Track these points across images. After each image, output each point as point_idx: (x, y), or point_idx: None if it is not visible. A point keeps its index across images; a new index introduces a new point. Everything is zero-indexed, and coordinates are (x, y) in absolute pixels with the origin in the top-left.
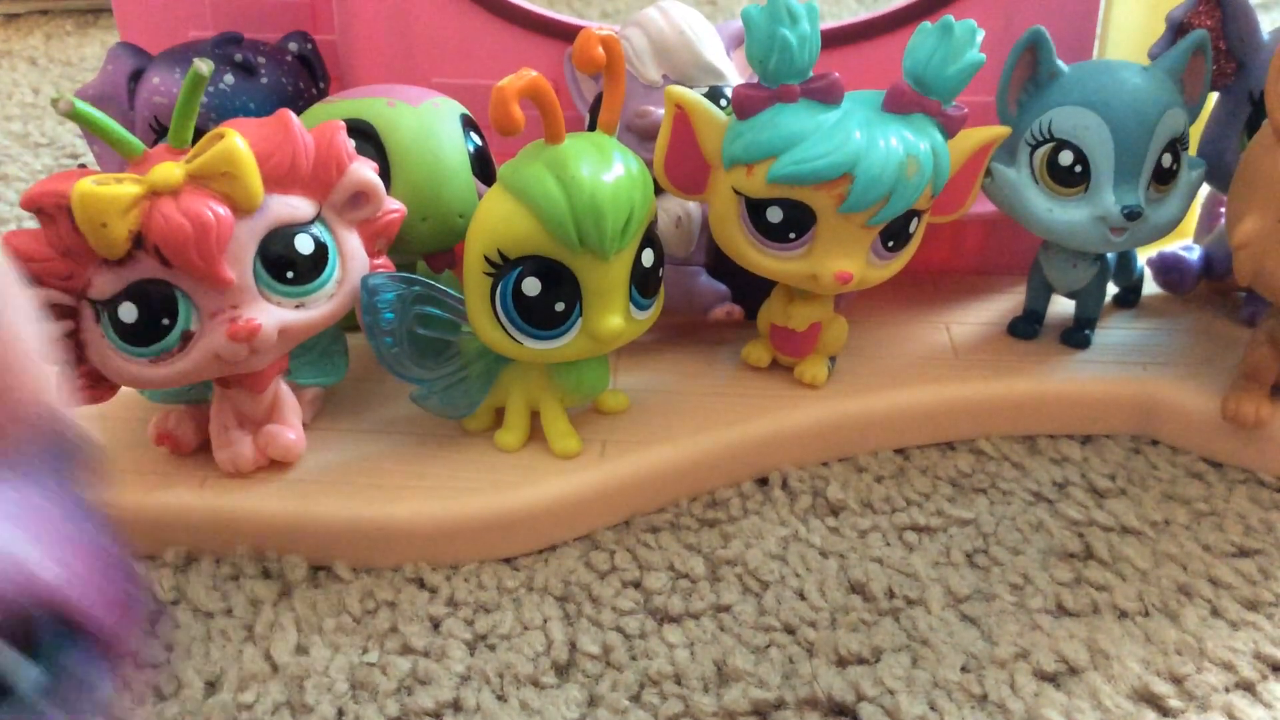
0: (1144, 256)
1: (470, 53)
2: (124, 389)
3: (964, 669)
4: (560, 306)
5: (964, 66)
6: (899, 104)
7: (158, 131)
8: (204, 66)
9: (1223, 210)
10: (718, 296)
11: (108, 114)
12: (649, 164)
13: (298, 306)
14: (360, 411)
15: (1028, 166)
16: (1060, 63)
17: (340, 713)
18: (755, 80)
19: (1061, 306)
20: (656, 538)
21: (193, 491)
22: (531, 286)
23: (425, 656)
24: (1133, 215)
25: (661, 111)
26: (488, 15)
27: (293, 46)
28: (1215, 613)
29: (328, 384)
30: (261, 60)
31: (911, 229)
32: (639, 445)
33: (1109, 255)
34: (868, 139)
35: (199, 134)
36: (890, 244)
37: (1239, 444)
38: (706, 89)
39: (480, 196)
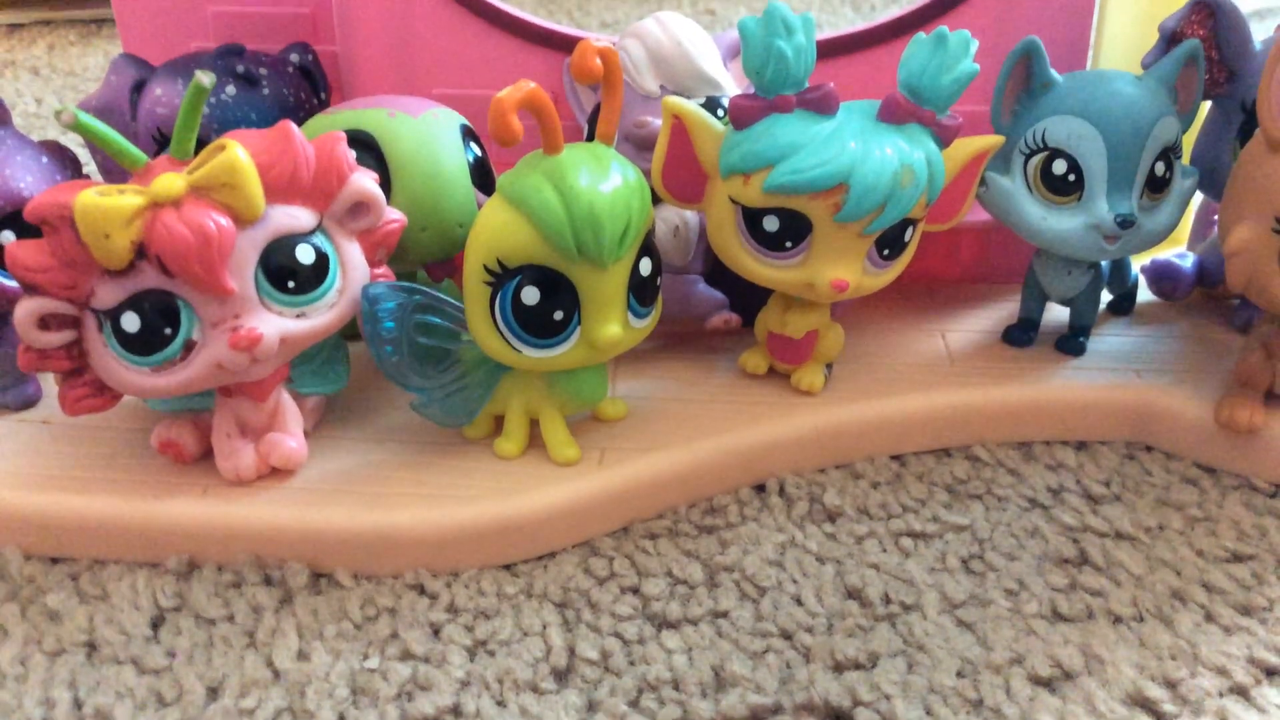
0: (1138, 264)
1: (470, 64)
2: (127, 398)
3: (959, 674)
4: (559, 315)
5: (958, 76)
6: (894, 114)
7: (160, 142)
8: (205, 78)
9: (1216, 218)
10: (715, 305)
11: (110, 125)
12: (647, 174)
13: (299, 316)
14: (361, 420)
15: (1022, 175)
16: (1054, 72)
17: (341, 718)
18: (752, 91)
19: (1056, 314)
20: (655, 544)
21: (195, 499)
22: (530, 295)
23: (425, 662)
24: (1126, 223)
25: (659, 122)
26: (487, 27)
27: (294, 58)
28: (1209, 618)
29: (329, 392)
30: (263, 71)
31: (907, 238)
32: (637, 453)
33: (1103, 263)
34: (863, 149)
35: (201, 145)
36: (886, 252)
37: (1233, 450)
38: (704, 99)
39: (480, 206)
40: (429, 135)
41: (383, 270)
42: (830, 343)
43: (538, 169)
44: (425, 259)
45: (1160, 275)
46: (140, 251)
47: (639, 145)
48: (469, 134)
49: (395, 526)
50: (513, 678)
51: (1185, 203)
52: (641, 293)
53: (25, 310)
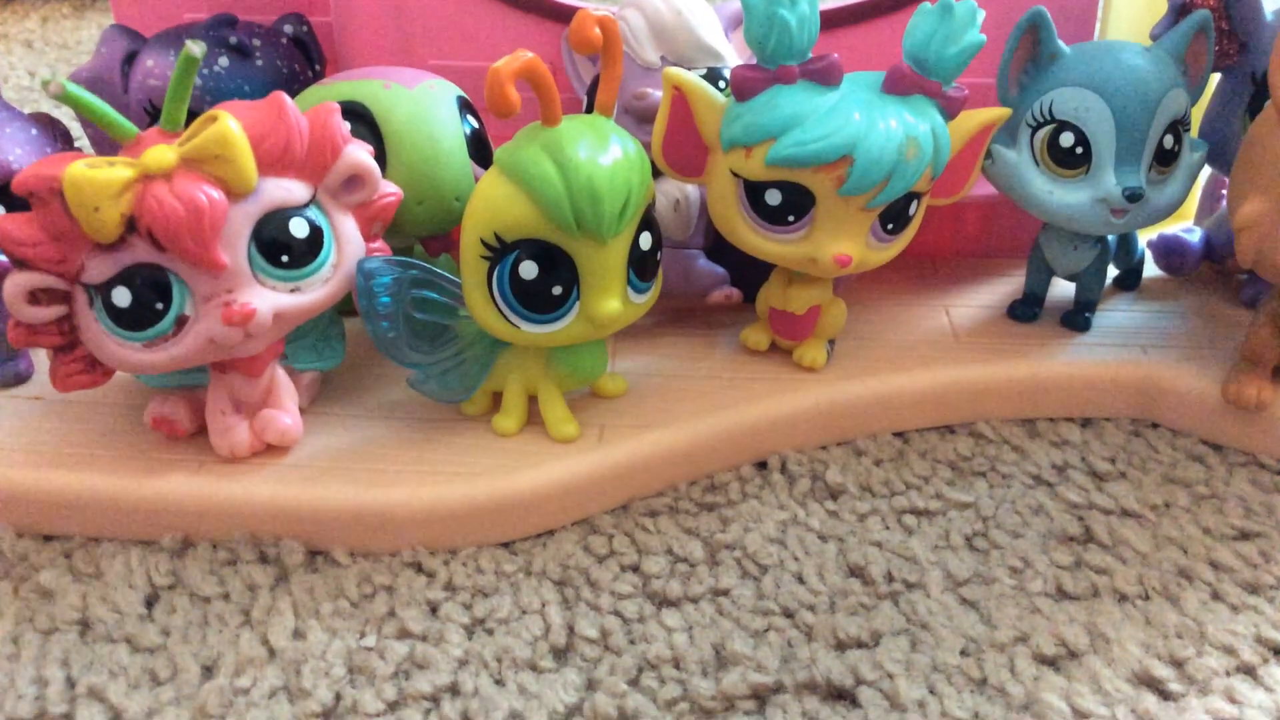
0: (1145, 239)
1: (466, 35)
2: (119, 373)
3: (963, 653)
4: (558, 290)
5: (964, 47)
6: (899, 85)
7: (152, 114)
8: (196, 48)
9: (1224, 192)
10: (716, 280)
11: (102, 97)
12: (647, 146)
13: (293, 290)
14: (357, 396)
15: (1028, 148)
16: (1061, 43)
17: (338, 697)
18: (754, 62)
19: (1062, 289)
20: (655, 522)
21: (189, 476)
22: (529, 270)
23: (423, 641)
24: (1134, 197)
25: (659, 93)
26: None
27: (288, 29)
28: (1216, 596)
29: (325, 368)
30: (256, 43)
31: (911, 211)
32: (637, 429)
33: (1109, 237)
34: (867, 121)
35: (194, 117)
36: (890, 226)
37: (1240, 426)
38: (705, 71)
39: (477, 179)
40: (425, 107)
41: (378, 244)
42: (833, 318)
43: (536, 141)
44: (422, 233)
45: (1167, 250)
46: (131, 225)
47: (639, 117)
48: (466, 106)
49: (392, 504)
50: (511, 656)
51: (1193, 176)
52: (641, 267)
53: (15, 285)
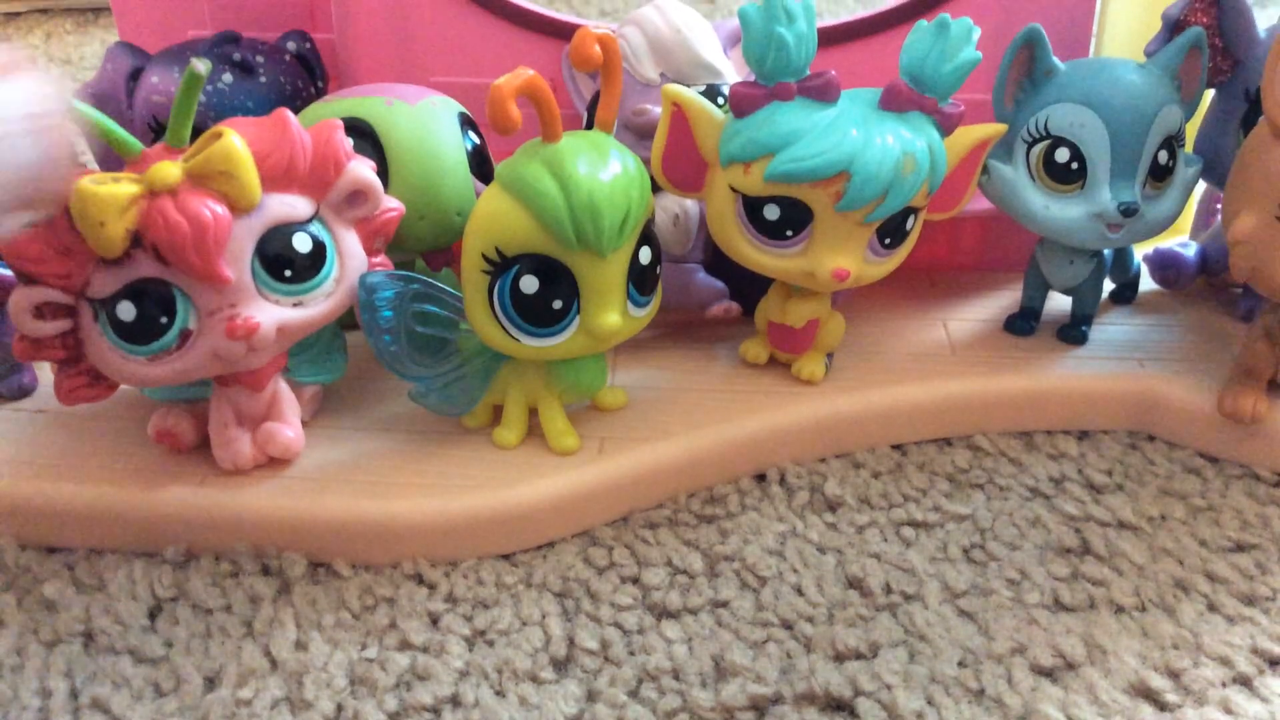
0: (1141, 253)
1: (468, 51)
2: (123, 387)
3: (961, 664)
4: (558, 304)
5: (960, 64)
6: (896, 102)
7: (156, 131)
8: (200, 66)
9: (1219, 206)
10: (715, 294)
11: (106, 113)
12: (646, 162)
13: (296, 305)
14: (359, 409)
15: (1024, 164)
16: (1056, 60)
17: (339, 709)
18: (752, 79)
19: (1058, 303)
20: (655, 534)
21: (192, 489)
22: (529, 284)
23: (424, 652)
24: (1129, 212)
25: (658, 110)
26: (486, 14)
27: (291, 45)
28: (1212, 608)
29: (327, 382)
30: (260, 59)
31: (908, 226)
32: (637, 442)
33: (1105, 252)
34: (864, 137)
35: (198, 133)
36: (887, 241)
37: (1236, 439)
38: (704, 87)
39: (478, 195)
40: (427, 123)
41: (380, 259)
42: (831, 332)
43: (536, 157)
44: (423, 247)
45: (1163, 264)
46: (136, 240)
47: (638, 133)
48: (467, 122)
49: (393, 516)
50: (512, 667)
51: (1188, 191)
52: (641, 282)
53: (20, 299)
